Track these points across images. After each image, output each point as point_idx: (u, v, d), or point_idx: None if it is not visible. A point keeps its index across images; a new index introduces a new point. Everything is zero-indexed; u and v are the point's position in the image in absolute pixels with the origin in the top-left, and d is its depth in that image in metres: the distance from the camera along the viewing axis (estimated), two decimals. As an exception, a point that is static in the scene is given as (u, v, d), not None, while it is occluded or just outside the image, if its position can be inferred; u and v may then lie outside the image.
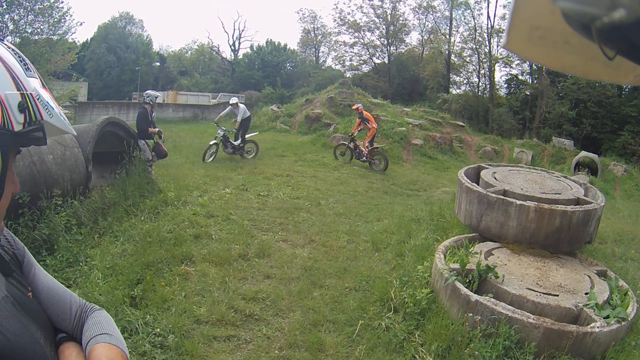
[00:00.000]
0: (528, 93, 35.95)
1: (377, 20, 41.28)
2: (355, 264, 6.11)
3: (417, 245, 6.38)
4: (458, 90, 38.82)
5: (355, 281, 5.61)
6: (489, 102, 34.12)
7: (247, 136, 14.18)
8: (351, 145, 15.19)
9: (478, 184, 6.45)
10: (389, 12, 40.97)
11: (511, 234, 5.66)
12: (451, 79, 39.11)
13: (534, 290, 4.57)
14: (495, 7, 38.07)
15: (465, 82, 39.11)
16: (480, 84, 37.15)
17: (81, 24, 31.51)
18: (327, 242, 6.89)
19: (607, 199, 14.60)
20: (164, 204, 7.57)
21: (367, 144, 14.73)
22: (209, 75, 49.69)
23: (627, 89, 33.91)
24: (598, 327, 4.06)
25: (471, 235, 6.04)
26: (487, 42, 35.41)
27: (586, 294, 4.60)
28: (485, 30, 35.62)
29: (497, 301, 4.33)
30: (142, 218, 6.85)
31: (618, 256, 7.12)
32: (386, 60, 41.80)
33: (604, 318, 4.17)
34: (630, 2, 0.59)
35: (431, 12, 40.13)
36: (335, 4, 49.83)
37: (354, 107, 15.71)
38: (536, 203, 5.56)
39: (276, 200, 9.25)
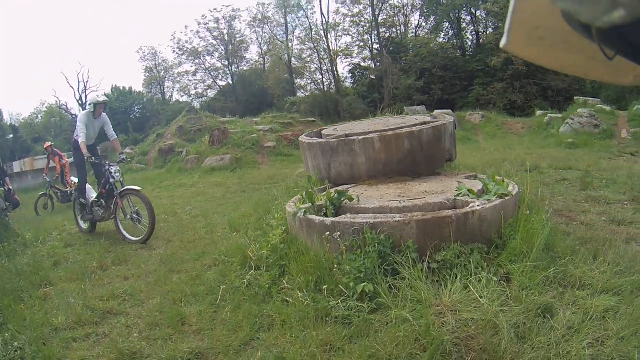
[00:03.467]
0: (373, 77, 37.12)
1: (215, 42, 41.17)
2: (214, 247, 5.99)
3: (272, 214, 6.32)
4: (306, 93, 39.51)
5: (214, 260, 5.47)
6: (336, 95, 34.84)
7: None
8: (50, 192, 13.20)
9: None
10: (225, 32, 41.03)
11: (363, 170, 5.54)
12: (296, 84, 39.81)
13: (396, 201, 4.40)
14: (328, 3, 39.77)
15: (310, 82, 39.84)
16: (324, 80, 37.94)
17: None
18: (185, 238, 6.78)
19: (471, 143, 16.02)
20: (23, 247, 7.61)
21: (69, 180, 13.20)
22: (62, 136, 46.72)
23: (470, 50, 36.93)
24: (478, 204, 3.94)
25: (323, 187, 5.70)
26: (324, 38, 36.30)
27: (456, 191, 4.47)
28: (321, 27, 36.56)
29: (356, 215, 4.18)
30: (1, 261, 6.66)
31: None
32: (230, 81, 41.88)
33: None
34: (630, 2, 0.59)
35: (267, 23, 40.74)
36: (172, 35, 49.06)
37: (45, 146, 14.04)
38: (379, 133, 5.47)
39: (133, 219, 8.91)
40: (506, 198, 4.16)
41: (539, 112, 21.81)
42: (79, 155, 7.63)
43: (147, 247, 6.72)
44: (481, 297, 3.26)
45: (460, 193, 4.35)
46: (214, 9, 41.94)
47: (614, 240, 4.67)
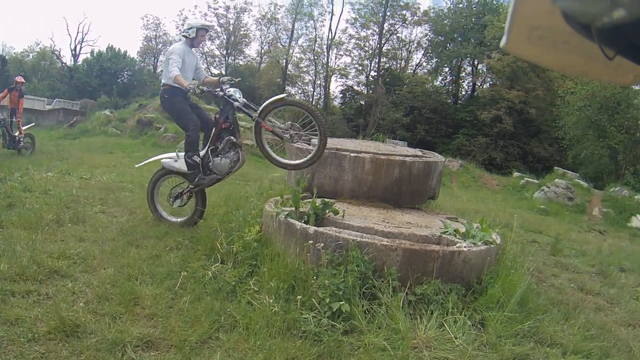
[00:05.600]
0: (363, 103, 38.04)
1: (219, 29, 41.01)
2: (178, 229, 5.67)
3: (246, 210, 6.08)
4: None
5: (177, 242, 5.15)
6: (323, 111, 34.97)
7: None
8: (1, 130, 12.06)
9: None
10: (232, 22, 40.97)
11: (347, 188, 5.43)
12: (287, 90, 40.02)
13: (381, 225, 4.30)
14: (339, 21, 39.84)
15: (300, 92, 40.25)
16: (315, 94, 38.62)
17: None
18: (149, 213, 6.35)
19: (445, 188, 16.02)
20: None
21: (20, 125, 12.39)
22: (47, 81, 45.77)
23: (463, 99, 37.73)
24: (465, 246, 3.93)
25: (303, 195, 5.26)
26: (325, 53, 37.03)
27: (441, 229, 4.45)
28: (325, 42, 37.19)
29: (341, 229, 4.03)
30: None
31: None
32: (223, 71, 41.65)
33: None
34: (630, 2, 0.59)
35: (274, 24, 40.96)
36: (181, 10, 48.66)
37: (17, 79, 12.90)
38: (372, 154, 5.38)
39: (99, 182, 8.83)
40: (491, 245, 4.17)
41: (516, 174, 22.55)
42: (175, 100, 5.84)
43: (107, 214, 6.37)
44: (456, 338, 3.25)
45: (447, 231, 4.33)
46: (228, -4, 41.32)
47: (583, 307, 4.83)
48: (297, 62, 39.57)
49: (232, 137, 5.62)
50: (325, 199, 4.70)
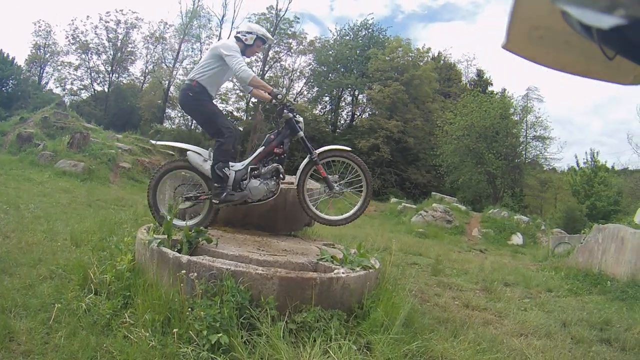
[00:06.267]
0: (241, 129, 37.55)
1: (107, 44, 39.62)
2: (52, 257, 5.24)
3: (119, 238, 5.69)
4: (173, 126, 39.30)
5: (50, 271, 4.76)
6: (200, 135, 34.46)
7: None
8: None
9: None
10: (120, 37, 39.74)
11: (221, 215, 5.29)
12: (167, 113, 39.45)
13: (256, 254, 4.24)
14: None
15: (180, 116, 39.38)
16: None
17: None
18: (23, 238, 5.87)
19: None
20: None
21: None
22: None
23: (342, 128, 38.66)
24: (343, 272, 3.93)
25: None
26: None
27: (317, 256, 4.43)
28: None
29: (215, 258, 3.88)
30: None
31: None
32: (106, 89, 40.16)
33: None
34: (630, 2, 0.59)
35: (161, 43, 40.09)
36: (72, 20, 46.19)
37: None
38: None
39: (-31, 202, 7.97)
40: (370, 270, 4.22)
41: (393, 199, 23.74)
42: (204, 100, 5.13)
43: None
44: None
45: (323, 258, 4.33)
46: (120, 10, 40.27)
47: (471, 323, 4.94)
48: (179, 84, 38.76)
49: (280, 166, 5.18)
50: (199, 227, 4.52)
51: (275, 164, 5.13)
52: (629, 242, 8.56)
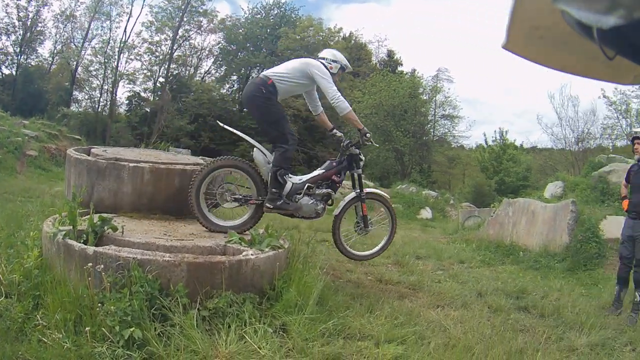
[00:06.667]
0: (148, 110, 36.53)
1: (17, 23, 36.27)
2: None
3: (26, 232, 5.40)
4: (80, 109, 36.83)
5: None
6: (108, 118, 33.59)
7: None
8: None
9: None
10: (31, 15, 36.30)
11: (127, 201, 5.10)
12: (74, 95, 36.97)
13: (163, 239, 4.12)
14: (134, 23, 36.68)
15: (87, 98, 37.17)
16: (101, 100, 36.03)
17: None
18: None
19: None
20: None
21: None
22: None
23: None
24: (252, 253, 3.88)
25: (83, 211, 4.82)
26: (116, 56, 34.71)
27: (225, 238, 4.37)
28: (118, 45, 34.85)
29: (121, 248, 3.75)
30: None
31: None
32: (14, 72, 37.21)
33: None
34: (630, 2, 0.60)
35: (71, 22, 37.14)
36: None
37: None
38: (152, 164, 5.17)
39: None
40: (279, 250, 4.22)
41: None
42: (276, 102, 5.12)
43: None
44: (260, 348, 3.20)
45: (231, 240, 4.28)
46: (33, -14, 36.66)
47: (386, 297, 5.01)
48: (87, 64, 36.35)
49: (332, 193, 5.35)
50: (104, 215, 4.32)
51: (329, 190, 5.32)
52: (540, 215, 9.23)
